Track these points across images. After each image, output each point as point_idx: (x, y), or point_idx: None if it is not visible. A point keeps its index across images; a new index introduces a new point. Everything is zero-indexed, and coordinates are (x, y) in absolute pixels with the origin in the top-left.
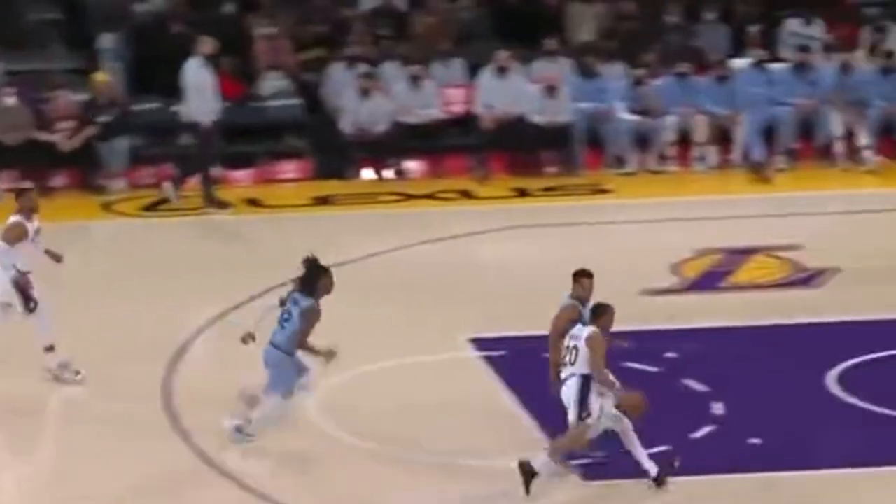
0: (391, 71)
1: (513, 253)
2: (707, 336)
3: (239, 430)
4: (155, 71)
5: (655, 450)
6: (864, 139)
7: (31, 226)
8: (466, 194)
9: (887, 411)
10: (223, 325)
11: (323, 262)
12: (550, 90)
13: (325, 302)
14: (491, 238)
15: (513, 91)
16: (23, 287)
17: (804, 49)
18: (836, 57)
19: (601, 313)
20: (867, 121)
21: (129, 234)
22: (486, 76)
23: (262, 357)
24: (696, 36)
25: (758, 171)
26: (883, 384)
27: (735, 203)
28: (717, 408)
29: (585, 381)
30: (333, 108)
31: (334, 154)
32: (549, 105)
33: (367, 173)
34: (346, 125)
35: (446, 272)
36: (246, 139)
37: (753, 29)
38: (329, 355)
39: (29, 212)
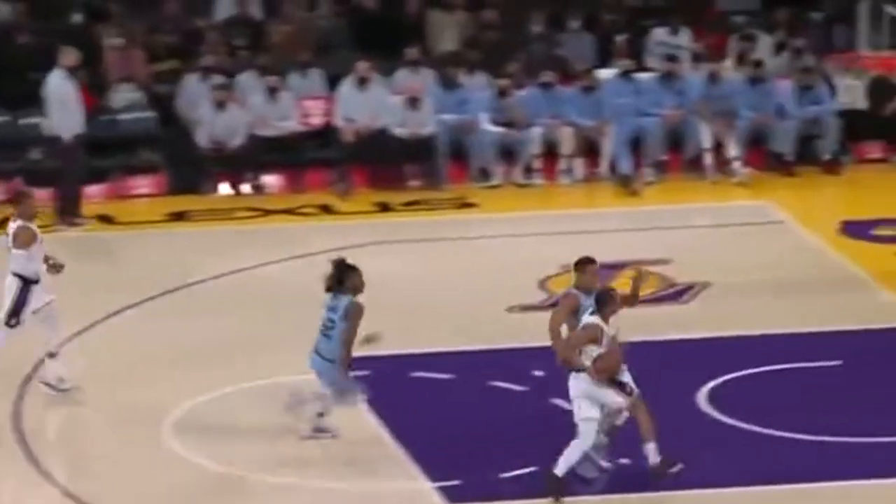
0: (247, 82)
1: (375, 270)
2: None
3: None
4: (1, 83)
5: (525, 471)
6: (733, 151)
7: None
8: (327, 209)
9: (759, 429)
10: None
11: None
12: (412, 102)
13: (180, 324)
14: (352, 254)
15: (374, 103)
16: (26, 298)
17: (671, 58)
18: (703, 66)
19: (604, 303)
20: (736, 132)
21: None
22: (346, 87)
23: (310, 367)
24: (560, 45)
25: (626, 184)
26: (755, 401)
27: (603, 217)
28: None
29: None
30: (188, 120)
31: (189, 168)
32: (411, 117)
33: (224, 188)
34: (201, 138)
35: (306, 290)
36: (98, 153)
37: (620, 38)
38: (372, 339)
39: (29, 218)
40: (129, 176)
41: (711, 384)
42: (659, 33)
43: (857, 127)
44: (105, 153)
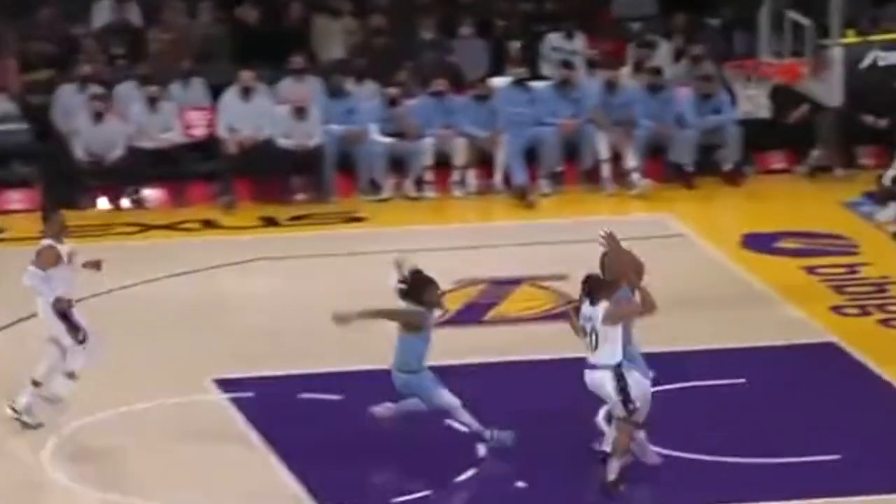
0: (126, 92)
1: (261, 287)
2: (470, 373)
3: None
4: None
5: (419, 495)
6: (631, 161)
7: (64, 248)
8: (210, 224)
9: (660, 450)
10: None
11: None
12: (299, 111)
13: None
14: (237, 271)
15: (258, 113)
16: (66, 313)
17: (567, 65)
18: (599, 74)
19: (599, 289)
20: (634, 141)
21: None
22: (230, 97)
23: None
24: (452, 52)
25: (521, 196)
26: (656, 421)
27: (497, 230)
28: (481, 449)
29: (619, 372)
30: (64, 132)
31: (66, 183)
32: (297, 127)
33: (103, 203)
34: (77, 151)
35: (189, 308)
36: None
37: (513, 45)
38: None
39: (59, 235)
40: (1, 191)
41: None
42: (554, 39)
43: (759, 136)
44: None
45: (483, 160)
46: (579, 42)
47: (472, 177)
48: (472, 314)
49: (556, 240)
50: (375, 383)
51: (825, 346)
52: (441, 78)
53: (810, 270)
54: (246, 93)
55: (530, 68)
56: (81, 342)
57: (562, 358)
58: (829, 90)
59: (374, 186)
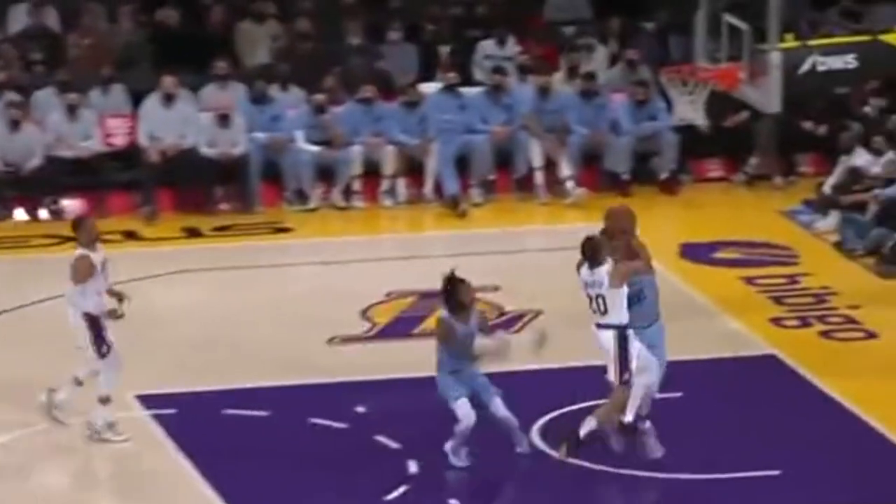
0: (45, 99)
1: (184, 300)
2: (400, 388)
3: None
4: None
5: None
6: (565, 169)
7: (97, 257)
8: (131, 235)
9: (594, 466)
10: None
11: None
12: (222, 119)
13: None
14: (159, 283)
15: (180, 120)
16: (100, 327)
17: (498, 70)
18: (532, 79)
19: (599, 251)
20: (569, 149)
21: None
22: (151, 104)
23: None
24: (380, 58)
25: (452, 206)
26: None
27: (428, 241)
28: (412, 466)
29: (623, 334)
30: None
31: None
32: (220, 135)
33: (20, 214)
34: None
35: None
36: None
37: (443, 50)
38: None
39: (92, 243)
40: None
41: (545, 419)
42: (486, 46)
43: (695, 144)
44: None
45: (413, 169)
46: (512, 48)
47: (401, 186)
48: (401, 327)
49: (488, 250)
50: (301, 398)
51: (765, 358)
52: (369, 84)
53: (749, 281)
54: (168, 99)
55: (461, 74)
56: (103, 356)
57: (495, 372)
58: (767, 96)
59: (301, 196)
